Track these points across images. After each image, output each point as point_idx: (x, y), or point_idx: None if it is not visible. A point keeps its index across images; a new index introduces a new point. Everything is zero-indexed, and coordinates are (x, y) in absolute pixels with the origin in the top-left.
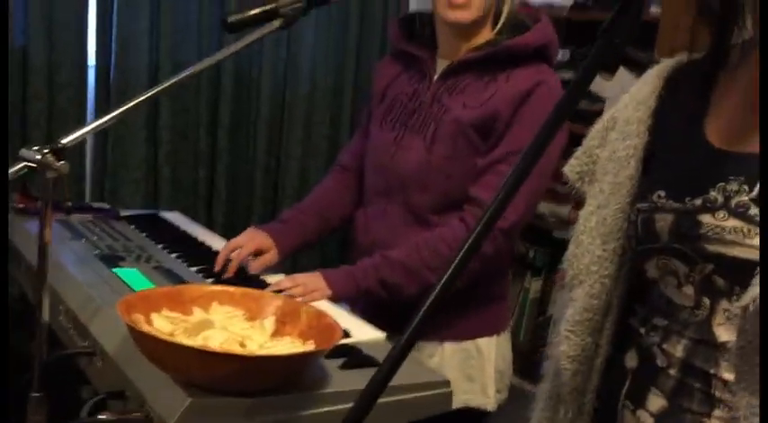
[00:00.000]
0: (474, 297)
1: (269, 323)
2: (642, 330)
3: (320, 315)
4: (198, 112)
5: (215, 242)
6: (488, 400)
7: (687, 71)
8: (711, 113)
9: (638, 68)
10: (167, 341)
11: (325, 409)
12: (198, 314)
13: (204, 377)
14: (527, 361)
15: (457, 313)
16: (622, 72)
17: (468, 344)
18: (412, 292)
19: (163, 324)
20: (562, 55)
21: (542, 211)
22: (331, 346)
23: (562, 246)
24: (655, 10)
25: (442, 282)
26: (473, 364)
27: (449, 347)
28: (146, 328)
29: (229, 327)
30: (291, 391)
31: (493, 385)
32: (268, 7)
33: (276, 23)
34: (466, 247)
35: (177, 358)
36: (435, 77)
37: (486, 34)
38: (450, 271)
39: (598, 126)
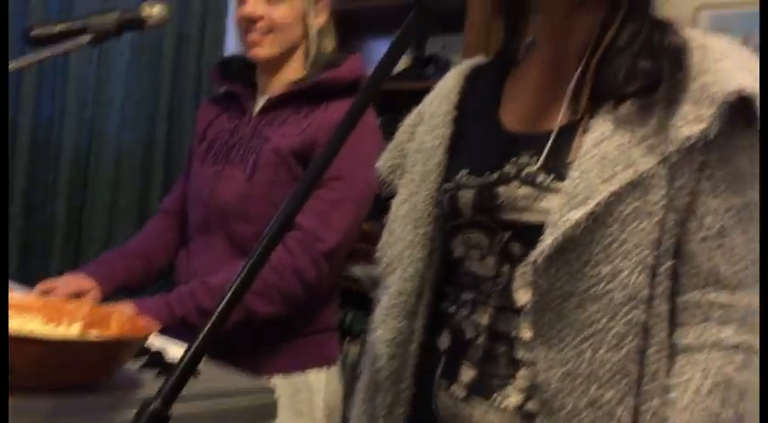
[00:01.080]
0: (301, 328)
1: (74, 328)
2: (452, 309)
3: (133, 318)
4: None
5: None
6: None
7: (483, 69)
8: (504, 104)
9: None
10: None
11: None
12: None
13: None
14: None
15: (284, 346)
16: None
17: (297, 377)
18: (234, 320)
19: None
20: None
21: (357, 275)
22: (147, 336)
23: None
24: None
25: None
26: (302, 399)
27: (277, 382)
28: None
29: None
30: (99, 391)
31: (323, 420)
32: (77, 22)
33: (85, 39)
34: (257, 253)
35: None
36: (255, 112)
37: (300, 69)
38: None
39: (407, 122)
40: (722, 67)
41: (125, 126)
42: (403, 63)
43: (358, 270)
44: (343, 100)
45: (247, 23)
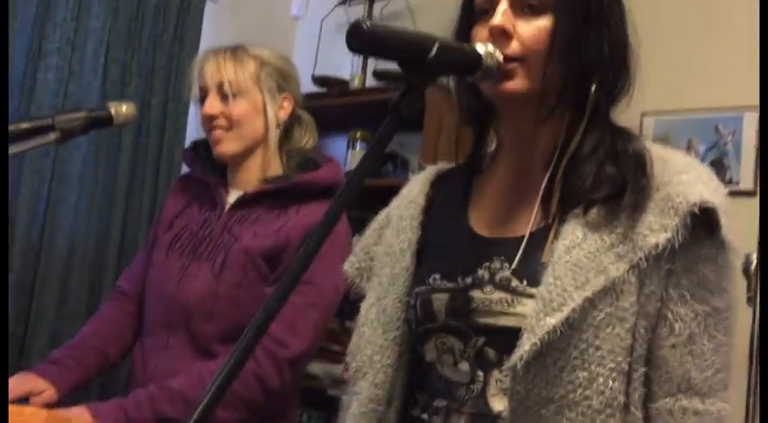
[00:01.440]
0: None
1: None
2: (425, 417)
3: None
4: None
5: None
6: None
7: (449, 174)
8: (472, 209)
9: None
10: None
11: None
12: None
13: None
14: None
15: None
16: None
17: None
18: None
19: None
20: None
21: (316, 372)
22: None
23: (336, 404)
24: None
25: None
26: None
27: None
28: None
29: None
30: None
31: None
32: (43, 120)
33: (51, 138)
34: (230, 364)
35: None
36: (227, 208)
37: (271, 162)
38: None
39: (374, 225)
40: (683, 179)
41: (77, 222)
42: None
43: (317, 367)
44: (317, 203)
45: (208, 122)
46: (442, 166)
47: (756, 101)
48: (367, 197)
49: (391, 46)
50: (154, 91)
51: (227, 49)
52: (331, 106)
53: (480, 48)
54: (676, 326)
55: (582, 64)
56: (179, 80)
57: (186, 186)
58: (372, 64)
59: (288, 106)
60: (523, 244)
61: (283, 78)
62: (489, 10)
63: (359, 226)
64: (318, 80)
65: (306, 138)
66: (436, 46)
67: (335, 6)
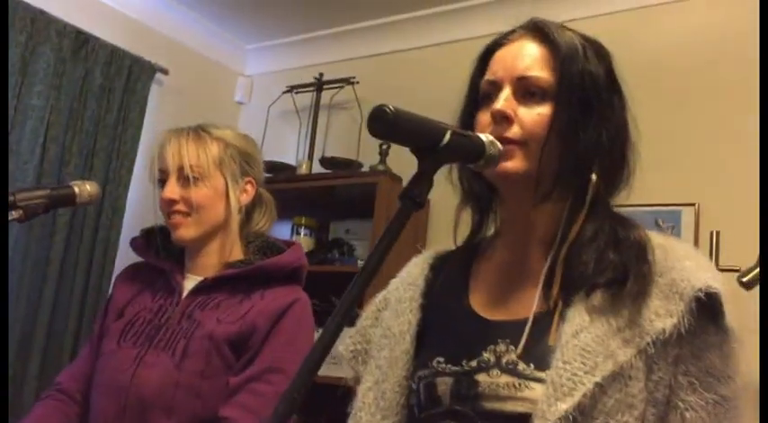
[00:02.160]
0: None
1: None
2: None
3: None
4: None
5: None
6: None
7: (448, 257)
8: (473, 290)
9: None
10: None
11: None
12: None
13: None
14: None
15: None
16: None
17: None
18: None
19: None
20: None
21: None
22: None
23: None
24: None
25: None
26: None
27: None
28: None
29: None
30: None
31: None
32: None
33: (14, 214)
34: None
35: None
36: (185, 293)
37: (231, 247)
38: None
39: (371, 307)
40: (686, 265)
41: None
42: (306, 245)
43: None
44: (282, 287)
45: (168, 206)
46: (440, 248)
47: (692, 199)
48: (311, 284)
49: (410, 131)
50: (93, 171)
51: (190, 130)
52: (276, 191)
53: (483, 137)
54: (687, 415)
55: (580, 151)
56: (120, 161)
57: (136, 274)
58: (319, 151)
59: (250, 190)
60: (528, 326)
61: (247, 161)
62: (493, 95)
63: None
64: (265, 165)
65: (264, 219)
66: (449, 134)
67: (283, 93)
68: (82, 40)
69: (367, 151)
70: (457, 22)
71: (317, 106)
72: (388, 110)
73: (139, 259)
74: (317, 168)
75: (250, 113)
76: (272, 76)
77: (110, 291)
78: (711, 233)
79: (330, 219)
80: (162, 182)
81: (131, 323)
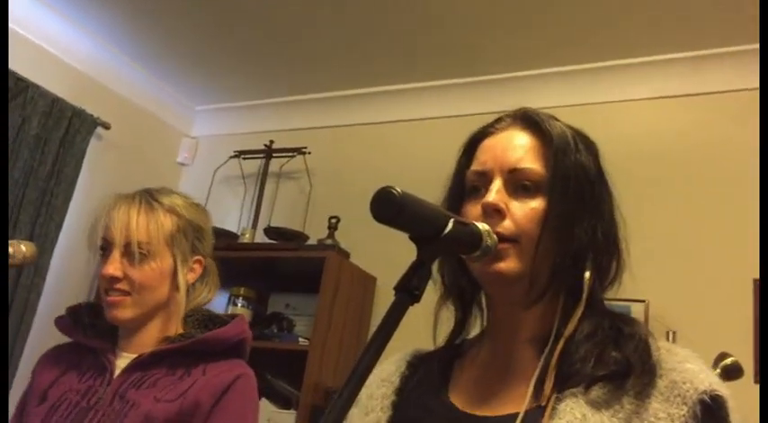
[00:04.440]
0: None
1: None
2: None
3: None
4: None
5: None
6: None
7: (427, 356)
8: (453, 387)
9: (281, 401)
10: None
11: None
12: None
13: None
14: None
15: None
16: (265, 402)
17: None
18: None
19: None
20: None
21: None
22: None
23: None
24: (303, 342)
25: None
26: None
27: None
28: None
29: None
30: None
31: None
32: None
33: None
34: None
35: None
36: (118, 372)
37: (170, 324)
38: None
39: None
40: (688, 367)
41: None
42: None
43: None
44: (225, 361)
45: (107, 283)
46: (422, 349)
47: (641, 295)
48: (250, 360)
49: (415, 217)
50: (18, 226)
51: (141, 198)
52: (215, 259)
53: (480, 226)
54: None
55: (575, 247)
56: (48, 216)
57: (60, 355)
58: (264, 220)
59: (198, 269)
60: (519, 421)
61: (198, 237)
62: (481, 188)
63: None
64: None
65: (207, 290)
66: (451, 222)
67: (230, 158)
68: (21, 86)
69: (313, 224)
70: (413, 100)
71: (264, 174)
72: (395, 192)
73: (62, 341)
74: (260, 237)
75: (192, 176)
76: (219, 139)
77: (30, 374)
78: (668, 333)
79: (270, 291)
80: (103, 251)
81: (55, 407)
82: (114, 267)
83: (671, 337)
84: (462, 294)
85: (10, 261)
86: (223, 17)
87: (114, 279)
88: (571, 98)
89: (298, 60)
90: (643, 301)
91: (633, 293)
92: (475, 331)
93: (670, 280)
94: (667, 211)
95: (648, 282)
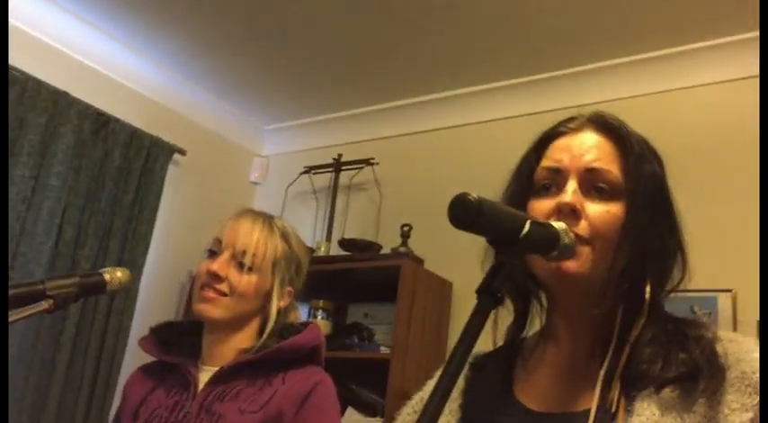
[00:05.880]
0: None
1: None
2: None
3: None
4: None
5: None
6: None
7: (488, 357)
8: (518, 387)
9: (366, 409)
10: None
11: None
12: None
13: None
14: None
15: None
16: (351, 411)
17: None
18: None
19: None
20: None
21: None
22: None
23: None
24: (385, 350)
25: None
26: None
27: None
28: None
29: None
30: None
31: None
32: (35, 286)
33: (44, 305)
34: None
35: None
36: (201, 386)
37: (250, 339)
38: None
39: (407, 409)
40: (755, 357)
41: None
42: (323, 329)
43: None
44: (302, 369)
45: (209, 279)
46: (481, 350)
47: (728, 285)
48: (328, 371)
49: (492, 221)
50: (108, 253)
51: (264, 219)
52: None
53: (557, 225)
54: None
55: (648, 256)
56: (135, 243)
57: (146, 374)
58: (338, 232)
59: (288, 299)
60: (592, 417)
61: (296, 271)
62: (552, 186)
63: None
64: None
65: (289, 319)
66: (528, 223)
67: (300, 174)
68: (102, 121)
69: (386, 233)
70: (474, 104)
71: (335, 187)
72: (472, 198)
73: (148, 360)
74: (335, 250)
75: (265, 194)
76: (288, 157)
77: (121, 394)
78: (759, 322)
79: (348, 302)
80: (212, 253)
81: None
82: (221, 266)
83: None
84: (522, 291)
85: (108, 287)
86: (281, 39)
87: (217, 277)
88: (632, 89)
89: (360, 73)
90: (730, 291)
91: (719, 283)
92: (533, 329)
93: (757, 269)
94: (752, 197)
95: (735, 271)
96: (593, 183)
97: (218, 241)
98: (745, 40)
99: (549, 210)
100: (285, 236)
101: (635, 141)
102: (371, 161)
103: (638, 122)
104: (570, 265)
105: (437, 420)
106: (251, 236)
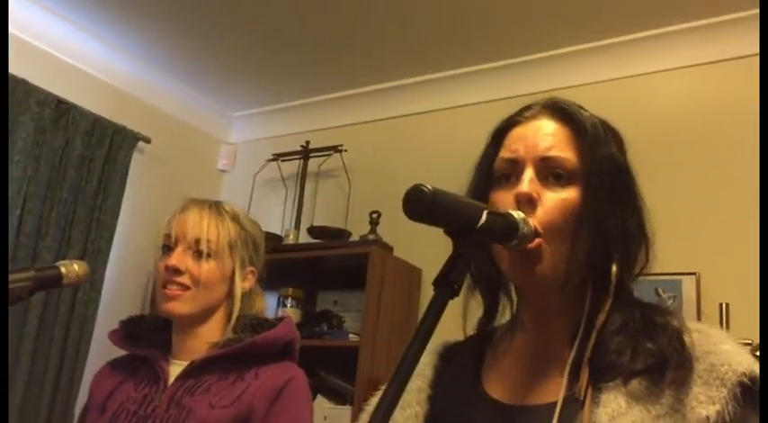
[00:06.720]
0: None
1: None
2: None
3: None
4: None
5: None
6: None
7: (457, 347)
8: (487, 378)
9: (336, 397)
10: None
11: None
12: None
13: None
14: None
15: None
16: (321, 399)
17: None
18: None
19: None
20: None
21: None
22: None
23: None
24: (354, 337)
25: None
26: None
27: None
28: None
29: None
30: None
31: None
32: None
33: None
34: None
35: None
36: (171, 380)
37: (219, 329)
38: None
39: (375, 400)
40: (725, 349)
41: None
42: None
43: None
44: (275, 364)
45: (169, 275)
46: (450, 339)
47: (693, 268)
48: (302, 359)
49: (448, 212)
50: (71, 244)
51: (211, 205)
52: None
53: (515, 214)
54: None
55: (608, 239)
56: (98, 233)
57: (115, 367)
58: (307, 220)
59: (251, 279)
60: (558, 409)
61: (255, 251)
62: (511, 176)
63: None
64: None
65: (256, 306)
66: (485, 214)
67: (268, 161)
68: (63, 109)
69: (355, 220)
70: (442, 90)
71: (303, 174)
72: (425, 189)
73: (114, 352)
74: (304, 238)
75: (233, 181)
76: (256, 144)
77: (89, 388)
78: (721, 305)
79: (317, 290)
80: (166, 249)
81: (115, 417)
82: (178, 260)
83: (724, 310)
84: (490, 283)
85: (64, 281)
86: (248, 25)
87: (177, 271)
88: (598, 75)
89: (327, 59)
90: (694, 274)
91: (684, 266)
92: (504, 318)
93: (721, 252)
94: (716, 182)
95: (699, 254)
96: (550, 170)
97: (169, 236)
98: (712, 25)
99: (510, 200)
100: (235, 218)
101: (590, 125)
102: (339, 148)
103: (602, 108)
104: (537, 270)
105: (392, 411)
106: (201, 223)
